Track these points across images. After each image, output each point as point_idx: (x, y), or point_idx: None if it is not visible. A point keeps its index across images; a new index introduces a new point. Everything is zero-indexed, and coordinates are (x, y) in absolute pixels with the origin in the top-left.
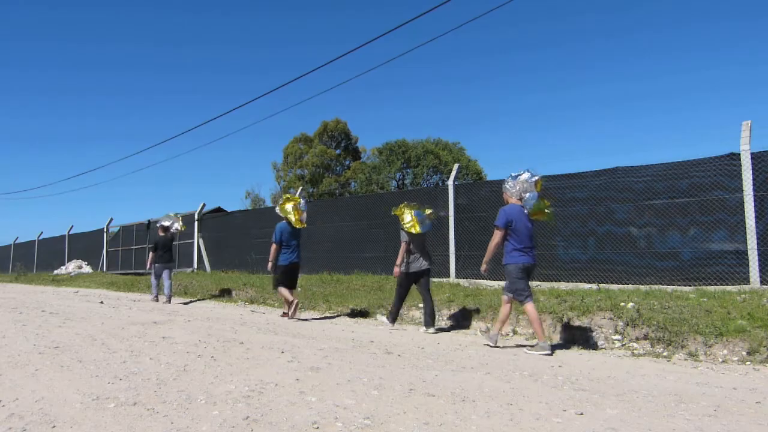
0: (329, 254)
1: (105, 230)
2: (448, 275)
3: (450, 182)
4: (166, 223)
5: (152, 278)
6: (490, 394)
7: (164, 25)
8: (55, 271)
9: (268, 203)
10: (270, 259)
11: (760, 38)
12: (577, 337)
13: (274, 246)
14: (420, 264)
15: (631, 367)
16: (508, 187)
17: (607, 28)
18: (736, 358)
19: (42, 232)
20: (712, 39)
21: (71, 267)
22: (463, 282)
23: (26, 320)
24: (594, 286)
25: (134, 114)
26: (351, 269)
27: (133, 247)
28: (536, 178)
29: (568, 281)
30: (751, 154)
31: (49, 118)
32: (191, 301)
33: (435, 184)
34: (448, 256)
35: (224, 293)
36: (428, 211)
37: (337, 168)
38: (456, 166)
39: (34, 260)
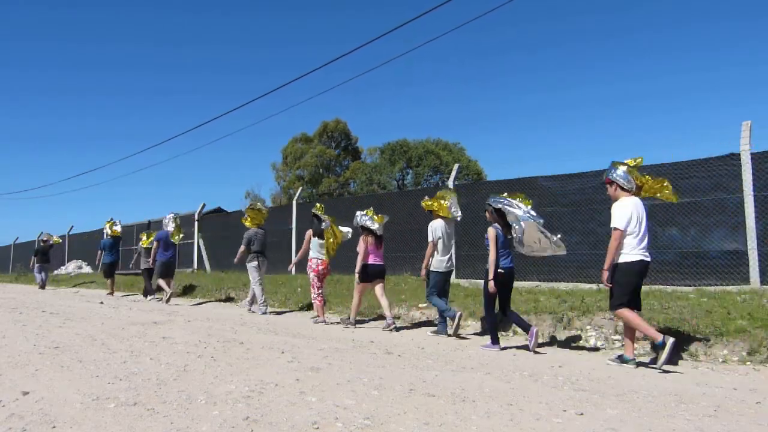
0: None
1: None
2: None
3: (450, 182)
4: (45, 238)
5: (35, 273)
6: (490, 394)
7: (164, 25)
8: (55, 272)
9: (269, 203)
10: (97, 261)
11: (760, 38)
12: (577, 338)
13: (99, 252)
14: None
15: (632, 368)
16: (164, 222)
17: (607, 28)
18: (736, 359)
19: (42, 233)
20: (712, 39)
21: (71, 267)
22: (463, 282)
23: (26, 320)
24: (594, 286)
25: (134, 114)
26: (351, 269)
27: (134, 247)
28: (174, 216)
29: (568, 281)
30: (751, 154)
31: (49, 118)
32: (195, 302)
33: (435, 184)
34: None
35: (224, 293)
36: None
37: (337, 168)
38: (456, 166)
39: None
